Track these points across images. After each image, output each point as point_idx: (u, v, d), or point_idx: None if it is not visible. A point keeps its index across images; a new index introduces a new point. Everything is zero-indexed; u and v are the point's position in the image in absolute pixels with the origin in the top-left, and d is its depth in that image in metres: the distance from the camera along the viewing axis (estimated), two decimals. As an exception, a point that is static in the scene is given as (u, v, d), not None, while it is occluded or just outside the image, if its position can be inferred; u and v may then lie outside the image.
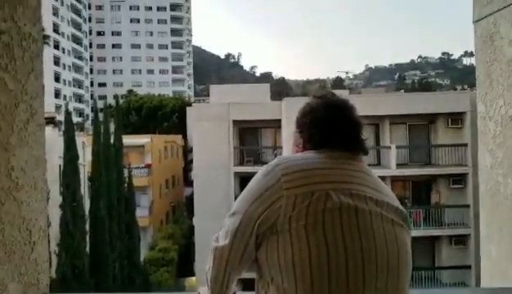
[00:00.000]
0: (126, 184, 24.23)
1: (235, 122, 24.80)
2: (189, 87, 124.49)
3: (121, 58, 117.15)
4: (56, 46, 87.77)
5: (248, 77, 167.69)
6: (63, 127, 20.33)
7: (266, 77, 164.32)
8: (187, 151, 44.46)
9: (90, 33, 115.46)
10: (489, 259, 2.08)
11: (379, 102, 23.29)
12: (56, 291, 16.06)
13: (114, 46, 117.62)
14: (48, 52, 75.32)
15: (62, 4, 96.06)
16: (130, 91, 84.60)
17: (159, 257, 28.11)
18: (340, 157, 1.51)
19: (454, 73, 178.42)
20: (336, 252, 1.31)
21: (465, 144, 21.97)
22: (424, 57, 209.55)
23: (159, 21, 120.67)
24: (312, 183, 1.39)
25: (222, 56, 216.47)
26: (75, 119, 65.30)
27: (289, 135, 23.29)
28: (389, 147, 22.59)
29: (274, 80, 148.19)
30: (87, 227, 20.18)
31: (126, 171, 24.58)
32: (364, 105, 20.26)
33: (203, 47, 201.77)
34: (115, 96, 29.22)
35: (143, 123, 50.73)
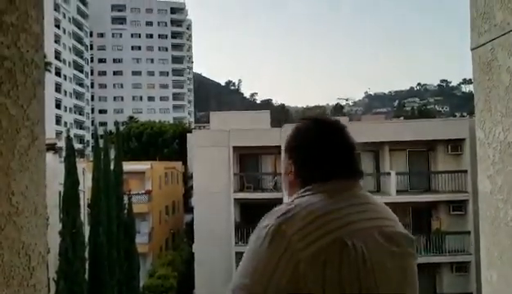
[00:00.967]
0: (126, 211, 24.17)
1: (235, 148, 24.84)
2: (189, 114, 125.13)
3: (122, 85, 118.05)
4: (58, 73, 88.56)
5: (248, 104, 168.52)
6: (63, 154, 20.36)
7: (266, 104, 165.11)
8: (187, 177, 44.42)
9: (91, 60, 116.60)
10: (490, 286, 2.06)
11: (378, 129, 23.39)
12: (53, 319, 15.87)
13: (115, 73, 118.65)
14: (50, 79, 75.93)
15: (64, 32, 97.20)
16: (131, 118, 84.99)
17: (158, 284, 27.80)
18: (344, 189, 1.41)
19: (453, 100, 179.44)
20: None
21: (465, 171, 21.97)
22: (423, 84, 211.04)
23: (160, 48, 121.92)
24: (326, 232, 1.27)
25: (223, 83, 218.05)
26: (76, 146, 65.44)
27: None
28: (389, 173, 22.58)
29: (274, 107, 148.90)
30: (87, 253, 20.04)
31: (126, 198, 24.53)
32: (364, 132, 20.29)
33: (203, 74, 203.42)
34: (116, 123, 29.36)
35: (143, 150, 50.81)
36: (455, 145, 22.87)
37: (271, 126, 28.98)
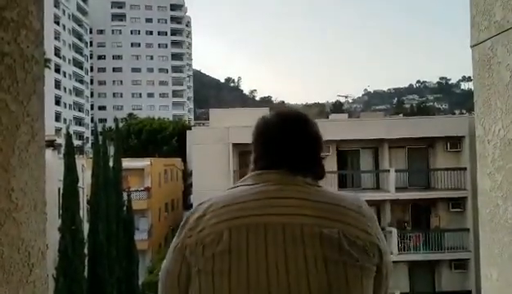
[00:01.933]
0: (125, 208, 24.17)
1: (234, 145, 24.83)
2: (189, 111, 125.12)
3: (121, 81, 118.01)
4: (57, 70, 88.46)
5: (247, 101, 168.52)
6: (63, 150, 20.36)
7: (265, 101, 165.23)
8: (187, 174, 44.42)
9: (91, 57, 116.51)
10: (489, 283, 2.06)
11: (378, 126, 23.40)
12: (52, 315, 15.90)
13: (114, 69, 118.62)
14: (49, 76, 75.85)
15: (64, 29, 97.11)
16: (130, 115, 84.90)
17: (157, 281, 27.75)
18: (274, 179, 1.34)
19: (452, 97, 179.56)
20: None
21: (464, 168, 21.99)
22: (423, 82, 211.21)
23: (159, 45, 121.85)
24: (213, 223, 1.27)
25: (222, 80, 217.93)
26: (75, 142, 65.43)
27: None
28: (388, 171, 22.59)
29: (273, 104, 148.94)
30: (86, 250, 20.05)
31: (125, 195, 24.53)
32: (363, 129, 20.26)
33: (203, 71, 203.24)
34: (115, 120, 29.32)
35: (143, 146, 50.75)
36: (455, 143, 22.88)
37: (270, 124, 28.92)
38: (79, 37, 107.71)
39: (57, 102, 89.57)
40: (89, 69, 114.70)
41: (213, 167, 24.44)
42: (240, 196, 1.31)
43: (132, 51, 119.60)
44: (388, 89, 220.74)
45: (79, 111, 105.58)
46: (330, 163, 23.01)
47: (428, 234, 22.56)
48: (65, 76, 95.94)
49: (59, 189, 19.69)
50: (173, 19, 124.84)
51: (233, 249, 1.21)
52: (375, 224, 1.36)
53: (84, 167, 23.27)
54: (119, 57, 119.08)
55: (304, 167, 1.37)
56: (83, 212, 21.47)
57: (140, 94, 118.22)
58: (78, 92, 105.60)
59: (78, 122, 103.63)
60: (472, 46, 2.13)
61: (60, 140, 28.09)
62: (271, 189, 1.32)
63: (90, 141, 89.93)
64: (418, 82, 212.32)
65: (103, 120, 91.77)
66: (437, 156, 23.54)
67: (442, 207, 23.18)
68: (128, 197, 24.91)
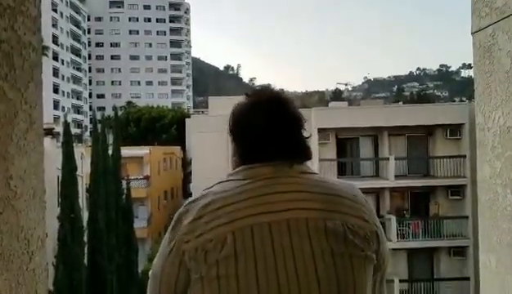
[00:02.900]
0: (124, 196, 24.21)
1: (233, 133, 24.77)
2: (188, 99, 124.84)
3: (120, 69, 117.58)
4: (55, 58, 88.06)
5: (247, 89, 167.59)
6: (61, 139, 20.35)
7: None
8: (186, 163, 44.43)
9: (89, 45, 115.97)
10: (488, 270, 2.07)
11: (377, 114, 23.37)
12: (53, 303, 15.99)
13: (112, 57, 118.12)
14: (47, 63, 75.57)
15: (61, 16, 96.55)
16: (129, 103, 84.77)
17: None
18: (269, 174, 1.28)
19: (452, 84, 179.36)
20: None
21: (464, 156, 22.01)
22: (423, 69, 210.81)
23: (158, 33, 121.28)
24: (214, 226, 1.21)
25: (221, 68, 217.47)
26: (73, 130, 65.32)
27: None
28: (388, 158, 22.61)
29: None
30: (85, 238, 20.12)
31: (124, 183, 24.56)
32: (363, 117, 20.23)
33: (202, 59, 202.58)
34: (114, 108, 29.29)
35: (142, 135, 50.72)
36: (454, 130, 22.87)
37: (269, 111, 28.85)
38: (77, 24, 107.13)
39: (55, 90, 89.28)
40: (87, 57, 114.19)
41: (212, 156, 24.44)
42: (237, 194, 1.25)
43: (131, 39, 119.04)
44: (388, 77, 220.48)
45: (78, 99, 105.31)
46: (330, 151, 23.03)
47: (428, 222, 22.63)
48: (62, 64, 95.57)
49: (58, 178, 19.71)
50: (172, 5, 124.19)
51: (239, 252, 1.17)
52: (372, 211, 1.33)
53: (83, 156, 23.28)
54: (117, 45, 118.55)
55: (293, 153, 1.32)
56: (83, 200, 21.51)
57: (138, 82, 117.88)
58: (77, 80, 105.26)
59: (77, 110, 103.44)
60: (473, 33, 2.12)
61: (59, 129, 28.05)
62: (269, 184, 1.26)
63: (89, 129, 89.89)
64: (418, 69, 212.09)
65: (102, 108, 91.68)
66: (436, 144, 23.54)
67: (442, 194, 23.23)
68: (127, 185, 24.94)
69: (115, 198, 22.52)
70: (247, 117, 1.36)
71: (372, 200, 22.59)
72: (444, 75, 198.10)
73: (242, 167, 1.34)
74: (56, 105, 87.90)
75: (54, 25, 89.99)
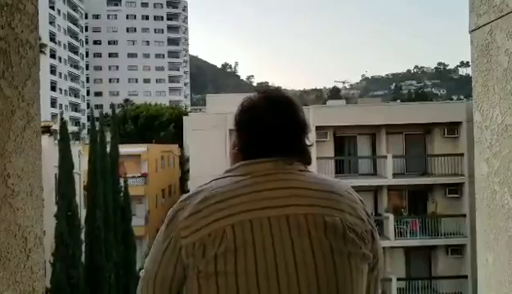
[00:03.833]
0: (122, 194, 24.18)
1: (231, 131, 24.76)
2: (185, 97, 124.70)
3: (117, 67, 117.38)
4: (53, 55, 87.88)
5: (244, 87, 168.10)
6: (58, 136, 20.32)
7: (263, 86, 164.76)
8: (184, 160, 44.41)
9: (86, 42, 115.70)
10: (485, 268, 2.07)
11: (375, 112, 23.38)
12: (50, 300, 15.97)
13: (110, 55, 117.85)
14: (45, 61, 75.41)
15: (59, 13, 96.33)
16: (126, 101, 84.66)
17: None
18: (270, 171, 1.28)
19: (450, 83, 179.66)
20: None
21: (461, 154, 22.04)
22: (421, 67, 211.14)
23: (155, 30, 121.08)
24: (212, 220, 1.19)
25: (219, 66, 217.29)
26: (71, 128, 65.26)
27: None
28: (386, 157, 22.63)
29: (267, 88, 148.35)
30: (83, 236, 20.11)
31: (122, 181, 24.53)
32: (361, 115, 20.23)
33: (200, 57, 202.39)
34: (112, 105, 29.23)
35: (139, 133, 50.66)
36: (452, 128, 22.90)
37: (267, 109, 28.78)
38: (75, 22, 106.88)
39: (53, 88, 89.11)
40: (85, 55, 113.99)
41: (210, 153, 24.41)
42: (236, 189, 1.25)
43: (128, 36, 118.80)
44: (386, 74, 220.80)
45: (75, 97, 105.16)
46: (327, 149, 23.03)
47: (425, 220, 22.66)
48: (60, 61, 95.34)
49: (55, 175, 19.69)
50: (169, 3, 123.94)
51: (239, 246, 1.16)
52: (365, 210, 1.33)
53: (81, 153, 23.25)
54: (114, 42, 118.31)
55: (294, 154, 1.33)
56: (80, 198, 21.49)
57: (136, 79, 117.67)
58: (74, 78, 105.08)
59: (74, 107, 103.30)
60: (470, 31, 2.12)
61: (57, 127, 28.01)
62: (269, 180, 1.26)
63: (86, 127, 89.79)
64: (416, 67, 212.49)
65: (99, 106, 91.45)
66: (434, 142, 23.56)
67: (439, 192, 23.26)
68: (125, 183, 24.91)
69: (113, 196, 22.49)
70: (258, 109, 1.36)
71: (370, 198, 22.63)
72: (442, 73, 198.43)
73: (240, 164, 1.34)
74: (53, 103, 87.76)
75: (51, 23, 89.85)
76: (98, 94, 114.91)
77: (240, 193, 1.23)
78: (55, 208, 18.73)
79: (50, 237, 17.91)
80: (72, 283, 18.48)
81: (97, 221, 20.43)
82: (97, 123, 23.39)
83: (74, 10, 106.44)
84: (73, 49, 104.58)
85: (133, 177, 31.91)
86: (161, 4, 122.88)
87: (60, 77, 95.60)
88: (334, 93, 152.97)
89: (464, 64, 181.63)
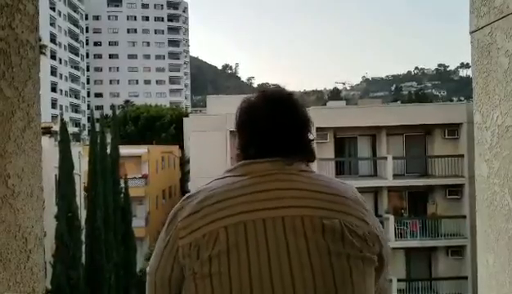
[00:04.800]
0: (122, 195, 24.17)
1: (232, 132, 24.71)
2: (186, 98, 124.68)
3: (118, 68, 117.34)
4: (53, 57, 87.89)
5: (245, 88, 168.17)
6: (59, 137, 20.31)
7: (262, 86, 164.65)
8: (184, 162, 44.39)
9: (87, 43, 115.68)
10: (486, 269, 2.07)
11: (376, 113, 23.38)
12: (50, 302, 15.96)
13: (110, 56, 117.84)
14: (45, 62, 75.44)
15: (59, 14, 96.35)
16: (127, 102, 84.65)
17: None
18: (268, 170, 1.26)
19: (450, 84, 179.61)
20: None
21: (462, 155, 22.03)
22: (421, 69, 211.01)
23: (156, 32, 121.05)
24: (208, 222, 1.19)
25: (220, 67, 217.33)
26: (72, 129, 65.26)
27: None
28: (386, 158, 22.62)
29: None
30: (83, 237, 20.10)
31: (122, 182, 24.51)
32: (361, 116, 20.24)
33: (200, 58, 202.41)
34: (112, 106, 29.22)
35: (140, 134, 50.64)
36: (452, 130, 22.89)
37: (267, 111, 28.77)
38: (75, 23, 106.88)
39: (53, 89, 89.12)
40: (85, 56, 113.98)
41: (210, 155, 24.41)
42: (233, 189, 1.24)
43: (129, 38, 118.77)
44: (387, 76, 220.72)
45: (76, 98, 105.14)
46: (328, 150, 23.02)
47: (425, 221, 22.65)
48: (60, 62, 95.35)
49: (56, 176, 19.69)
50: (170, 4, 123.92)
51: (231, 248, 1.15)
52: (371, 213, 1.31)
53: (81, 154, 23.23)
54: (115, 43, 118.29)
55: (296, 153, 1.30)
56: (81, 199, 21.48)
57: (136, 81, 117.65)
58: (74, 79, 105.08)
59: (75, 109, 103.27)
60: (471, 33, 2.12)
61: (57, 128, 28.02)
62: (266, 181, 1.24)
63: (87, 128, 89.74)
64: (416, 68, 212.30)
65: (100, 107, 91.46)
66: (434, 143, 23.55)
67: (439, 194, 23.25)
68: (126, 184, 24.89)
69: (113, 197, 22.47)
70: (256, 109, 1.34)
71: (370, 199, 22.61)
72: (442, 75, 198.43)
73: (240, 163, 1.33)
74: (53, 104, 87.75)
75: (52, 24, 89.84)
76: (98, 95, 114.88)
77: (237, 194, 1.22)
78: (55, 209, 18.72)
79: (50, 238, 17.91)
80: (72, 284, 18.47)
81: (97, 222, 20.41)
82: (97, 124, 23.38)
83: (74, 11, 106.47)
84: (73, 50, 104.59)
85: (134, 178, 31.87)
86: (161, 5, 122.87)
87: (61, 78, 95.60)
88: (335, 94, 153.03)
89: (464, 66, 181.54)
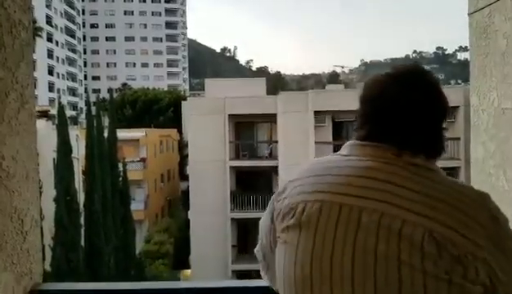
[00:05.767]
0: (121, 178, 24.20)
1: (230, 116, 24.73)
2: (184, 81, 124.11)
3: (115, 51, 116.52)
4: (50, 39, 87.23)
5: (244, 71, 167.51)
6: (56, 121, 20.28)
7: (262, 71, 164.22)
8: (183, 145, 44.37)
9: (83, 26, 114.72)
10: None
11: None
12: (50, 284, 16.05)
13: (107, 38, 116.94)
14: (41, 45, 74.93)
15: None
16: (124, 85, 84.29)
17: (154, 250, 28.17)
18: (369, 155, 1.15)
19: (449, 67, 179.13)
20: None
21: (458, 138, 22.06)
22: (419, 52, 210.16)
23: (153, 13, 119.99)
24: (297, 193, 1.20)
25: (218, 50, 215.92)
26: (69, 113, 65.06)
27: (284, 129, 23.27)
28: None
29: (270, 74, 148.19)
30: (82, 220, 20.18)
31: (121, 165, 24.53)
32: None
33: (198, 40, 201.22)
34: (109, 90, 29.11)
35: (138, 117, 50.53)
36: (449, 113, 22.89)
37: (266, 94, 28.83)
38: (71, 4, 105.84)
39: (50, 72, 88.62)
40: (82, 38, 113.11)
41: (209, 138, 24.41)
42: (326, 168, 1.19)
43: (126, 20, 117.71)
44: (385, 59, 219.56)
45: (73, 81, 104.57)
46: (326, 134, 23.02)
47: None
48: (57, 45, 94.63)
49: (54, 160, 19.69)
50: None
51: (303, 224, 1.13)
52: (498, 235, 1.06)
53: (79, 138, 23.20)
54: (111, 26, 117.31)
55: (417, 142, 1.15)
56: (79, 183, 21.50)
57: (134, 64, 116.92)
58: (71, 62, 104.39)
59: (72, 92, 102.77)
60: (469, 14, 2.11)
61: (54, 111, 27.97)
62: (363, 166, 1.14)
63: (84, 112, 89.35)
64: (415, 52, 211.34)
65: (97, 90, 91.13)
66: (432, 126, 23.55)
67: (436, 177, 23.29)
68: (124, 167, 24.90)
69: (112, 181, 22.49)
70: (379, 85, 1.22)
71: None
72: (440, 58, 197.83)
73: (347, 143, 1.26)
74: (50, 87, 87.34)
75: (48, 6, 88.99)
76: (96, 78, 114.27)
77: (326, 173, 1.18)
78: (54, 192, 18.77)
79: (49, 221, 17.97)
80: (72, 267, 18.59)
81: (96, 205, 20.47)
82: (95, 108, 23.33)
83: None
84: (70, 32, 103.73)
85: (132, 162, 31.90)
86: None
87: (58, 61, 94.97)
88: (333, 78, 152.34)
89: (462, 49, 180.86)
